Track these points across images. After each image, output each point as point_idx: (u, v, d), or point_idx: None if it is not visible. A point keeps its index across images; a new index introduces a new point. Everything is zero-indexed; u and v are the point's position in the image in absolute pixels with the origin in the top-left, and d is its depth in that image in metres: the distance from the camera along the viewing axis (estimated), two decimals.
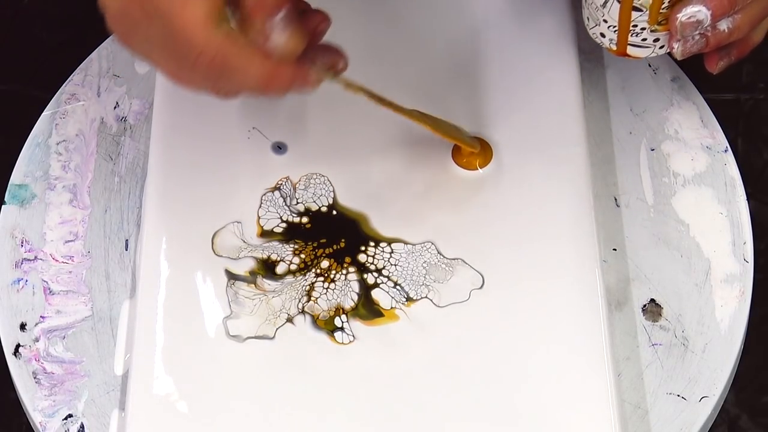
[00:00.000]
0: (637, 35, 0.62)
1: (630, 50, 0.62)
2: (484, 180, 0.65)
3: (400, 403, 0.60)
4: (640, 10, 0.60)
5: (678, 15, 0.60)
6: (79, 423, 0.61)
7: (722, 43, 0.61)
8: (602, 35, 0.63)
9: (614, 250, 0.65)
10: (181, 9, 0.53)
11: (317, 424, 0.59)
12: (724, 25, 0.61)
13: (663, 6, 0.60)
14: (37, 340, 0.63)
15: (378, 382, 0.60)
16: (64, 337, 0.63)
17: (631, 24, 0.61)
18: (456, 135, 0.64)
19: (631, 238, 0.66)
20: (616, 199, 0.67)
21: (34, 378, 0.62)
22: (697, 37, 0.61)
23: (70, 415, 0.61)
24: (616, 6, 0.61)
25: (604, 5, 0.61)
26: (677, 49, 0.61)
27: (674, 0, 0.60)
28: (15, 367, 0.63)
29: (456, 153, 0.66)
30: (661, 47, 0.62)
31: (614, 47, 0.63)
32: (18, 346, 0.63)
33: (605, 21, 0.62)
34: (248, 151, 0.66)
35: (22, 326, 0.64)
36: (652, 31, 0.61)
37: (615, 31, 0.62)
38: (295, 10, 0.55)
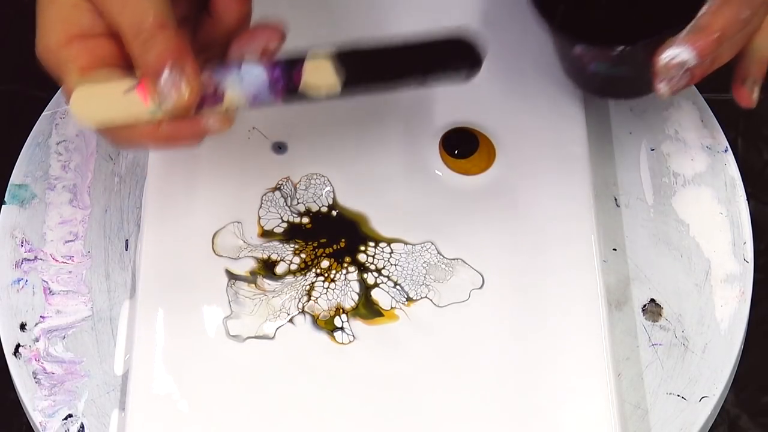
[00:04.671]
0: None
1: None
2: (484, 180, 0.65)
3: (400, 403, 0.60)
4: None
5: (661, 57, 0.57)
6: (79, 423, 0.61)
7: (707, 73, 0.59)
8: None
9: (614, 250, 0.65)
10: (67, 76, 0.53)
11: (317, 424, 0.59)
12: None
13: None
14: (37, 340, 0.63)
15: (378, 382, 0.60)
16: (64, 337, 0.63)
17: None
18: None
19: (631, 238, 0.66)
20: (616, 199, 0.67)
21: (34, 378, 0.62)
22: (682, 74, 0.58)
23: (70, 415, 0.61)
24: None
25: None
26: (663, 89, 0.58)
27: None
28: (15, 367, 0.63)
29: (454, 160, 0.66)
30: None
31: None
32: (18, 346, 0.63)
33: None
34: (248, 151, 0.66)
35: (22, 326, 0.64)
36: None
37: None
38: (188, 59, 0.53)
